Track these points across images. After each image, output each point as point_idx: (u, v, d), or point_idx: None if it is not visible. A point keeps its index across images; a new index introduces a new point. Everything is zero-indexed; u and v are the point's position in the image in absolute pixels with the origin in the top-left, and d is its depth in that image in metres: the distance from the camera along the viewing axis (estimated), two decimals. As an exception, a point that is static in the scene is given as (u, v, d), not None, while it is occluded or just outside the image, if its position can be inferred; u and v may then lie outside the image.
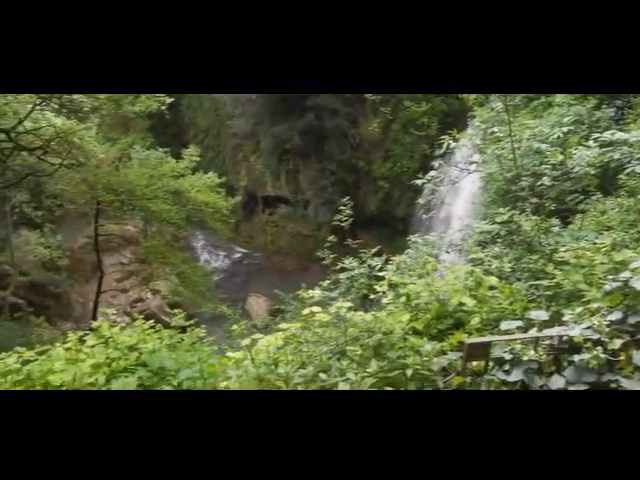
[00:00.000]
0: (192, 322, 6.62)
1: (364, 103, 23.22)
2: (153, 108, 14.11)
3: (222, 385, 3.22)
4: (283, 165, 26.42)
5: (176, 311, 6.73)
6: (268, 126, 24.50)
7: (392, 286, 5.06)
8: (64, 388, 3.73)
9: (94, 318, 15.21)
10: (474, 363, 3.23)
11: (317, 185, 24.57)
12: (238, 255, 28.01)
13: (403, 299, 4.28)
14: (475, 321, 3.62)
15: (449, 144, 6.73)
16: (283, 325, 3.49)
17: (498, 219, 5.82)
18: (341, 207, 10.18)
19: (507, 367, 2.98)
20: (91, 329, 5.16)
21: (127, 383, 3.59)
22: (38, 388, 3.67)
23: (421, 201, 8.90)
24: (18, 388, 3.69)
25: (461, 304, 3.91)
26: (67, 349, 4.32)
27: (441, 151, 6.84)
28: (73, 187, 16.36)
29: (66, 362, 4.15)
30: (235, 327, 3.25)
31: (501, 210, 5.91)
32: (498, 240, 5.91)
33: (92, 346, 4.27)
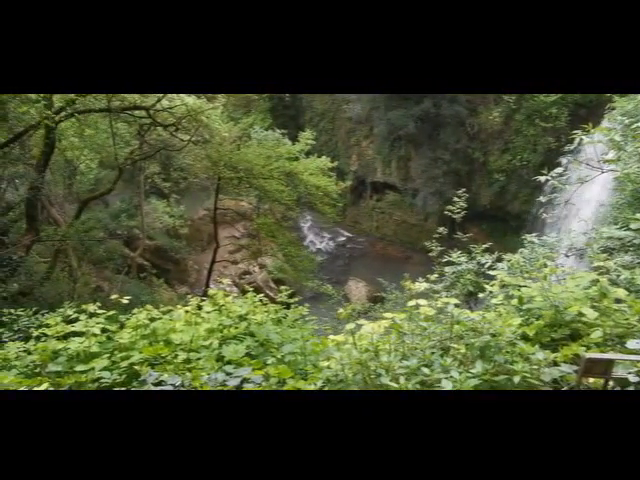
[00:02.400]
0: (296, 300, 6.91)
1: (486, 90, 22.01)
2: (275, 90, 14.62)
3: (324, 364, 3.34)
4: (395, 152, 26.10)
5: (282, 288, 7.07)
6: (383, 111, 24.26)
7: (502, 286, 4.83)
8: (183, 347, 4.11)
9: (207, 285, 16.45)
10: (591, 380, 3.00)
11: (428, 174, 23.94)
12: (342, 239, 28.40)
13: (515, 302, 4.07)
14: (596, 335, 3.34)
15: (581, 139, 6.16)
16: (387, 314, 3.50)
17: (633, 225, 5.25)
18: (454, 198, 9.86)
19: (631, 389, 2.72)
20: (205, 295, 5.61)
21: (237, 350, 3.86)
22: (161, 344, 4.08)
23: (542, 199, 8.31)
24: (145, 341, 4.13)
25: (580, 314, 3.62)
26: (186, 312, 4.73)
27: (572, 146, 6.30)
28: (198, 162, 17.68)
29: (185, 323, 4.56)
30: (342, 310, 3.34)
31: (638, 216, 5.32)
32: (630, 248, 5.34)
33: (208, 312, 4.64)
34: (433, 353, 3.07)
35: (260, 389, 3.06)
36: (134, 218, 20.69)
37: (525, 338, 3.63)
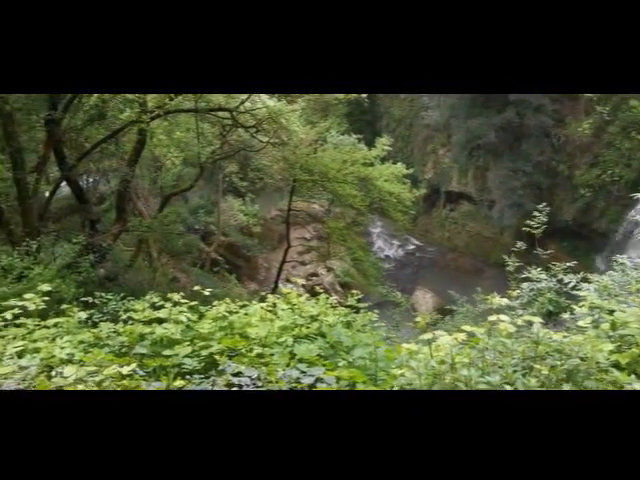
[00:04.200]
0: (366, 305, 6.89)
1: (576, 101, 20.84)
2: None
3: (397, 372, 3.30)
4: (472, 161, 25.36)
5: (353, 292, 7.08)
6: (463, 119, 23.66)
7: (590, 309, 4.54)
8: (257, 341, 4.22)
9: (276, 284, 16.80)
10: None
11: (506, 186, 23.00)
12: (412, 247, 27.96)
13: (605, 326, 3.80)
14: (702, 369, 3.05)
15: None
16: (465, 327, 3.39)
17: None
18: (535, 213, 9.42)
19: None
20: (275, 293, 5.73)
21: (310, 349, 3.91)
22: (236, 337, 4.21)
23: (637, 217, 7.73)
24: (221, 333, 4.29)
25: (683, 346, 3.32)
26: (261, 308, 4.86)
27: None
28: (274, 163, 18.13)
29: (259, 319, 4.69)
30: (419, 319, 3.28)
31: None
32: None
33: (283, 309, 4.74)
34: (515, 371, 2.94)
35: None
36: (211, 214, 21.58)
37: (616, 366, 3.38)
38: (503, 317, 3.45)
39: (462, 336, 3.44)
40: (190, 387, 3.09)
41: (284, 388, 3.15)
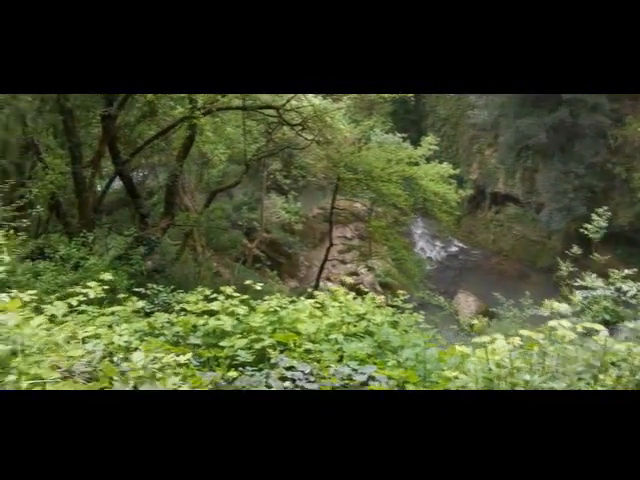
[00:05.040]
0: (411, 306, 6.79)
1: (638, 99, 19.86)
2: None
3: (451, 375, 3.23)
4: (521, 162, 24.61)
5: (399, 292, 7.00)
6: (512, 119, 22.98)
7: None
8: (305, 337, 4.22)
9: (317, 282, 16.85)
10: None
11: (556, 188, 22.18)
12: (455, 249, 27.44)
13: (675, 337, 3.60)
14: None
15: None
16: (523, 331, 3.29)
17: None
18: (591, 216, 9.08)
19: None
20: (317, 291, 5.72)
21: (360, 348, 3.89)
22: (285, 332, 4.24)
23: None
24: (271, 327, 4.32)
25: None
26: (310, 304, 4.88)
27: None
28: (318, 162, 18.16)
29: (308, 315, 4.70)
30: (476, 322, 3.20)
31: None
32: None
33: (332, 307, 4.73)
34: (580, 379, 2.82)
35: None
36: (254, 211, 21.85)
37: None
38: (565, 323, 3.32)
39: (517, 340, 3.33)
40: (241, 380, 3.12)
41: (336, 384, 3.14)
